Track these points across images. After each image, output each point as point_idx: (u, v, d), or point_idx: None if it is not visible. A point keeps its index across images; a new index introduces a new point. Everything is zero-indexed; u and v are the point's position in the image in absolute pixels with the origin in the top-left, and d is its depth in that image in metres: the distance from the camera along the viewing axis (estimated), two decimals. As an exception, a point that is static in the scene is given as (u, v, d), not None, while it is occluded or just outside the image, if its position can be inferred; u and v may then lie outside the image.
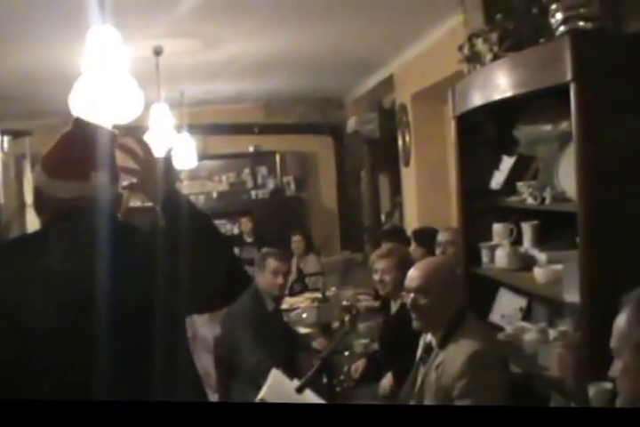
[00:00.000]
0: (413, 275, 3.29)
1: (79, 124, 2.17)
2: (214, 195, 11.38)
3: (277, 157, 11.44)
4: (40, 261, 2.04)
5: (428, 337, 3.31)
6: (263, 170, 11.55)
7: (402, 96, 8.01)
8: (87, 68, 3.69)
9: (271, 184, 11.47)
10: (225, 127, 11.09)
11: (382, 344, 4.54)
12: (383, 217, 9.73)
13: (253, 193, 11.40)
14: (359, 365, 4.54)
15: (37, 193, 2.18)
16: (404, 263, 4.10)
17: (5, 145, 10.15)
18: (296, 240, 8.54)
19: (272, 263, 4.98)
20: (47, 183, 2.13)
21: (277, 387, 3.22)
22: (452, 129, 4.40)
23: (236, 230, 10.89)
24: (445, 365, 3.08)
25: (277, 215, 10.81)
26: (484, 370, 3.01)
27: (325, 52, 7.27)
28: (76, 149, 2.11)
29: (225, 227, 11.19)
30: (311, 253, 8.58)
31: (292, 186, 11.51)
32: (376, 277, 4.60)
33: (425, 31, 6.47)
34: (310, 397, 3.27)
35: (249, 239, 9.79)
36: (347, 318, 4.96)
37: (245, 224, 9.93)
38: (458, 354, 3.04)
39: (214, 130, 10.90)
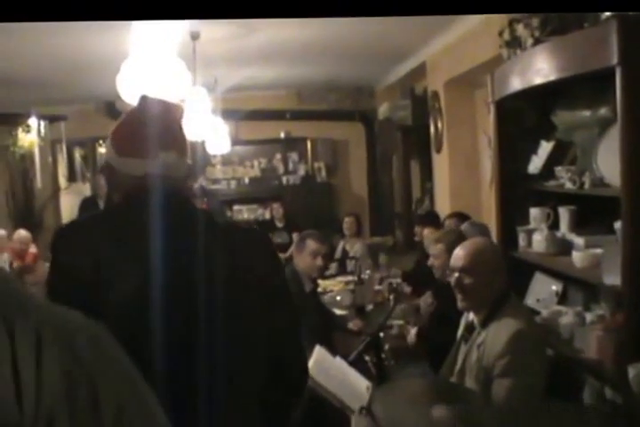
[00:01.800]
0: (458, 255, 3.33)
1: (145, 101, 2.17)
2: (246, 180, 11.47)
3: (308, 144, 11.52)
4: (117, 238, 2.05)
5: (470, 316, 3.34)
6: (294, 156, 11.63)
7: (434, 83, 8.03)
8: (134, 50, 3.74)
9: (302, 170, 11.54)
10: (257, 113, 11.15)
11: (430, 322, 4.58)
12: (413, 203, 9.78)
13: (284, 179, 11.48)
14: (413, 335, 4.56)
15: (109, 170, 2.18)
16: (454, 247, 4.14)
17: (42, 130, 10.26)
18: (348, 221, 8.57)
19: (311, 245, 5.01)
20: (117, 161, 2.13)
21: (322, 362, 3.28)
22: (490, 114, 4.43)
23: (267, 215, 10.98)
24: (487, 344, 3.11)
25: (308, 201, 10.90)
26: (526, 350, 3.04)
27: (358, 39, 7.28)
28: (143, 126, 2.11)
29: (256, 212, 11.29)
30: (359, 236, 8.62)
31: (323, 172, 11.57)
32: (430, 261, 4.66)
33: (457, 18, 6.46)
34: (353, 373, 3.34)
35: (280, 224, 9.85)
36: (391, 297, 5.01)
37: (277, 210, 10.00)
38: (500, 333, 3.07)
39: (247, 116, 10.96)
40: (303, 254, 5.00)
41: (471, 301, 3.26)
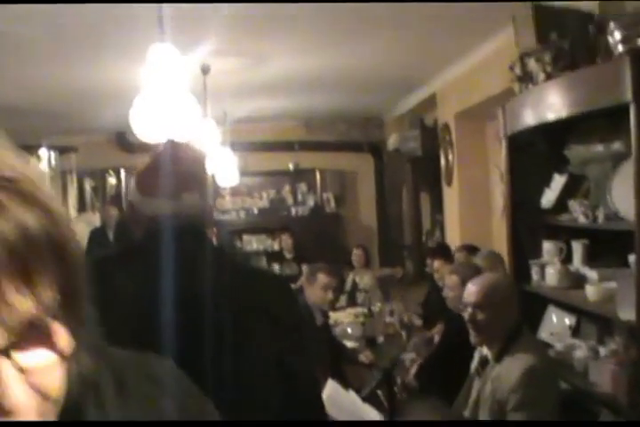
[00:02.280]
0: (471, 290, 3.33)
1: (171, 144, 2.26)
2: (255, 211, 11.49)
3: (317, 175, 11.55)
4: (133, 274, 2.10)
5: (484, 350, 3.34)
6: (303, 187, 11.66)
7: (444, 115, 8.06)
8: (147, 84, 3.77)
9: (311, 201, 11.56)
10: (266, 144, 11.21)
11: (438, 355, 4.57)
12: (423, 235, 9.77)
13: (293, 210, 11.50)
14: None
15: (131, 209, 2.26)
16: (468, 280, 4.13)
17: (52, 161, 10.32)
18: (357, 253, 8.58)
19: (322, 278, 5.03)
20: (140, 200, 2.21)
21: (334, 396, 3.27)
22: (502, 148, 4.44)
23: (276, 246, 10.99)
24: (501, 378, 3.11)
25: (317, 232, 10.90)
26: (540, 384, 3.03)
27: (367, 70, 7.34)
28: (168, 168, 2.19)
29: (265, 242, 11.30)
30: (368, 267, 8.62)
31: (332, 203, 11.59)
32: (445, 291, 4.67)
33: (468, 51, 6.52)
34: (367, 407, 3.33)
35: (289, 255, 9.86)
36: (404, 333, 5.01)
37: (286, 241, 10.01)
38: (514, 368, 3.07)
39: (255, 147, 11.02)
40: (314, 288, 5.01)
41: (485, 336, 3.26)
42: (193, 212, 2.18)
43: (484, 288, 3.30)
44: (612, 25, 3.15)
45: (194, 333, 2.02)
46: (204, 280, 2.10)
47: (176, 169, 2.16)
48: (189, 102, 3.82)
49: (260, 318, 2.13)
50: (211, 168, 2.32)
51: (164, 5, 3.64)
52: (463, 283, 3.95)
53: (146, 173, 2.23)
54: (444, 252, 6.39)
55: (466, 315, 3.31)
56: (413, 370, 4.47)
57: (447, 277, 4.67)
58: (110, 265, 2.18)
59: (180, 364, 1.95)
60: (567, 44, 3.62)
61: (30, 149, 10.29)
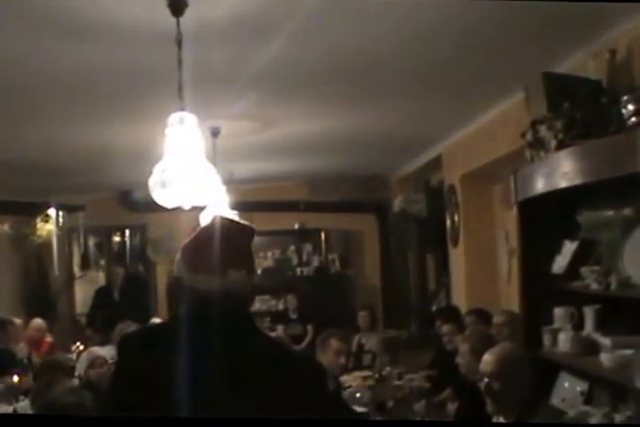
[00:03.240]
0: (487, 360, 3.34)
1: (220, 221, 2.28)
2: (259, 271, 11.48)
3: (322, 235, 11.59)
4: (171, 349, 2.12)
5: (501, 419, 3.34)
6: (308, 247, 11.69)
7: (450, 176, 8.12)
8: (167, 151, 3.84)
9: (316, 261, 11.58)
10: (271, 205, 11.27)
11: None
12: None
13: (298, 270, 11.52)
14: None
15: (176, 283, 2.28)
16: (481, 348, 4.12)
17: (61, 219, 10.38)
18: (363, 315, 8.54)
19: (335, 344, 5.03)
20: (186, 275, 2.23)
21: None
22: (513, 214, 4.48)
23: (280, 306, 10.97)
24: (521, 449, 3.11)
25: (322, 292, 10.89)
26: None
27: (374, 132, 7.42)
28: (215, 244, 2.21)
29: (269, 303, 11.27)
30: (374, 329, 8.58)
31: (337, 263, 11.61)
32: (457, 358, 4.66)
33: (476, 114, 6.60)
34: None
35: (293, 315, 9.84)
36: (414, 397, 4.98)
37: (291, 301, 10.01)
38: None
39: (260, 207, 11.07)
40: (327, 353, 5.01)
41: (501, 405, 3.25)
42: (239, 289, 2.20)
43: (501, 358, 3.31)
44: (625, 98, 3.22)
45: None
46: (245, 360, 2.13)
47: (224, 245, 2.18)
48: (208, 170, 3.89)
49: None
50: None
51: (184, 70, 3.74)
52: (477, 351, 3.96)
53: (193, 247, 2.26)
54: (453, 315, 6.38)
55: (482, 385, 3.31)
56: None
57: (461, 345, 4.67)
58: (153, 338, 2.22)
59: None
60: (579, 112, 3.68)
61: (38, 206, 10.37)
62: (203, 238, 2.25)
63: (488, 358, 3.35)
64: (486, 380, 3.30)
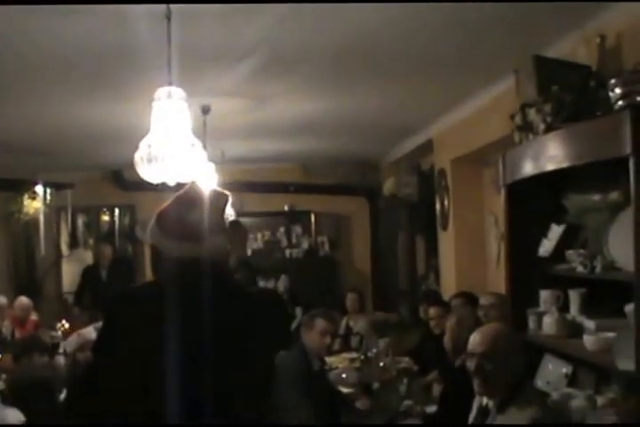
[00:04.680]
0: (476, 340, 3.33)
1: (195, 188, 2.28)
2: (249, 252, 11.48)
3: (312, 217, 11.57)
4: (154, 313, 2.13)
5: (484, 400, 3.34)
6: (298, 229, 11.67)
7: (441, 161, 8.12)
8: (153, 127, 3.82)
9: (305, 244, 11.56)
10: (261, 186, 11.27)
11: (442, 406, 4.55)
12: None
13: (288, 252, 11.51)
14: None
15: (153, 251, 2.28)
16: (466, 329, 4.12)
17: (48, 197, 10.34)
18: (351, 298, 8.53)
19: (320, 324, 5.03)
20: (163, 242, 2.23)
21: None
22: (501, 196, 4.48)
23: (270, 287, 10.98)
24: (504, 429, 3.11)
25: (311, 275, 10.89)
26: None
27: (366, 115, 7.41)
28: (191, 211, 2.21)
29: (259, 284, 11.26)
30: (362, 312, 8.58)
31: (326, 246, 11.60)
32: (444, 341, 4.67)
33: (466, 98, 6.59)
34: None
35: (283, 297, 9.84)
36: (405, 380, 5.00)
37: (280, 282, 10.02)
38: (518, 419, 3.07)
39: (251, 188, 11.07)
40: (312, 333, 5.01)
41: (490, 386, 3.26)
42: (218, 254, 2.21)
43: (491, 338, 3.31)
44: (613, 81, 3.22)
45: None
46: (225, 314, 2.16)
47: (201, 212, 2.19)
48: (195, 145, 3.87)
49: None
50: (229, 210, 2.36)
51: (172, 46, 3.71)
52: (462, 333, 3.96)
53: (169, 215, 2.25)
54: (440, 298, 6.40)
55: (471, 365, 3.31)
56: None
57: (448, 328, 4.67)
58: (131, 301, 2.23)
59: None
60: (568, 96, 3.68)
61: (26, 184, 10.32)
62: (179, 206, 2.25)
63: (476, 337, 3.35)
64: (476, 360, 3.29)
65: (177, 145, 3.74)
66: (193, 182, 2.31)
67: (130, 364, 2.12)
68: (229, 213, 2.40)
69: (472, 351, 3.34)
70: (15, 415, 3.53)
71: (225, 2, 3.76)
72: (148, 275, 11.18)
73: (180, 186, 2.39)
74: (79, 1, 3.71)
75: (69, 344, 5.40)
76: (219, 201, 2.28)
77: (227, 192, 2.35)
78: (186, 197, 2.26)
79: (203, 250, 2.19)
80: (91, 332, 5.63)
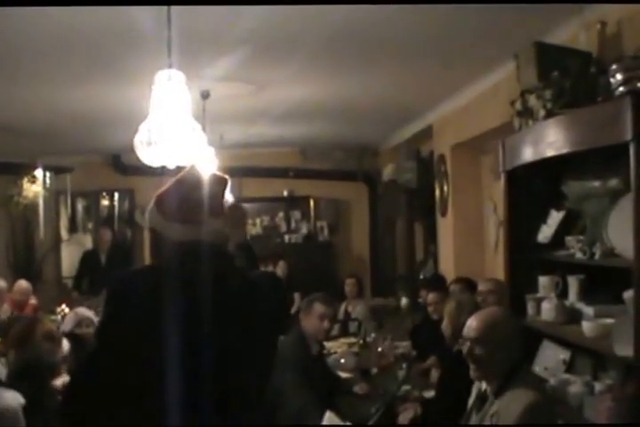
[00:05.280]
0: (472, 325, 3.33)
1: (195, 170, 2.28)
2: (248, 237, 11.46)
3: (311, 202, 11.57)
4: (154, 296, 2.13)
5: (483, 385, 3.34)
6: (297, 214, 11.67)
7: (441, 147, 8.11)
8: (153, 109, 3.81)
9: (304, 229, 11.57)
10: (261, 170, 11.27)
11: (439, 391, 4.56)
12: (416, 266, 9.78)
13: (286, 237, 11.51)
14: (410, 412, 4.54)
15: (154, 234, 2.28)
16: (464, 314, 4.13)
17: (48, 181, 10.33)
18: (350, 283, 8.55)
19: (319, 308, 5.03)
20: (163, 226, 2.23)
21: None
22: (501, 182, 4.48)
23: (268, 273, 10.98)
24: (501, 414, 3.11)
25: (309, 260, 10.90)
26: (541, 421, 3.03)
27: (365, 100, 7.40)
28: (191, 194, 2.21)
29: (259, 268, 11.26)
30: (360, 297, 8.60)
31: (325, 231, 11.61)
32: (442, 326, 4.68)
33: (467, 84, 6.58)
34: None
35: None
36: (404, 365, 5.01)
37: (280, 268, 10.01)
38: (514, 404, 3.07)
39: (250, 172, 11.07)
40: (311, 317, 5.01)
41: (484, 371, 3.26)
42: (218, 237, 2.22)
43: (486, 323, 3.31)
44: (613, 67, 3.21)
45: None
46: (225, 296, 2.18)
47: (201, 195, 2.20)
48: (195, 128, 3.86)
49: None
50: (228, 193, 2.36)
51: (172, 30, 3.70)
52: (460, 318, 3.97)
53: (170, 197, 2.25)
54: (438, 284, 6.39)
55: (464, 349, 3.31)
56: (408, 416, 4.46)
57: (446, 313, 4.67)
58: (131, 284, 2.23)
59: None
60: (568, 82, 3.67)
61: (26, 167, 10.31)
62: (180, 188, 2.26)
63: (472, 322, 3.35)
64: (469, 344, 3.30)
65: (177, 128, 3.74)
66: (192, 165, 2.31)
67: (132, 347, 2.12)
68: (228, 198, 2.39)
69: (466, 336, 3.34)
70: (14, 397, 3.54)
71: (225, 3, 3.76)
72: (148, 259, 11.16)
73: (179, 169, 2.38)
74: (80, 2, 3.71)
75: (67, 323, 5.41)
76: (218, 185, 2.28)
77: (226, 176, 2.35)
78: (186, 180, 2.26)
79: (203, 232, 2.19)
80: (85, 310, 5.65)
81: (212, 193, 2.23)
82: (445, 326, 4.51)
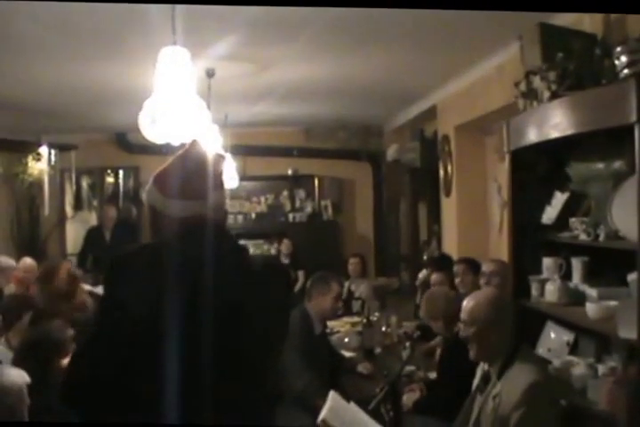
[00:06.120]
0: (468, 306, 3.36)
1: (197, 145, 2.29)
2: (252, 215, 11.52)
3: (316, 181, 11.57)
4: (156, 274, 2.14)
5: (486, 367, 3.37)
6: (301, 193, 11.67)
7: (445, 127, 8.10)
8: (158, 86, 3.80)
9: (309, 208, 11.58)
10: (265, 149, 11.26)
11: (441, 371, 4.58)
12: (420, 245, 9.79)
13: (291, 216, 11.53)
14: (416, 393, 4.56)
15: (154, 212, 2.28)
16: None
17: (52, 158, 10.33)
18: (353, 262, 8.56)
19: (336, 288, 5.04)
20: (164, 203, 2.23)
21: (337, 408, 3.29)
22: (505, 163, 4.48)
23: (273, 251, 11.02)
24: (503, 395, 3.13)
25: (313, 239, 10.92)
26: (542, 401, 3.06)
27: (370, 80, 7.37)
28: (192, 169, 2.22)
29: (262, 247, 11.31)
30: (364, 276, 8.62)
31: (330, 210, 11.61)
32: None
33: (471, 65, 6.56)
34: (369, 420, 3.35)
35: (286, 261, 9.87)
36: (407, 344, 5.03)
37: (285, 246, 10.04)
38: (516, 384, 3.09)
39: (255, 151, 11.08)
40: (327, 297, 5.00)
41: (481, 351, 3.29)
42: (218, 212, 2.23)
43: (477, 304, 3.33)
44: (618, 49, 3.20)
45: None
46: (228, 275, 2.18)
47: (203, 170, 2.20)
48: (199, 105, 3.86)
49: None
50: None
51: (177, 8, 3.68)
52: (449, 309, 4.03)
53: (171, 174, 2.25)
54: (444, 264, 6.38)
55: (461, 331, 3.35)
56: (413, 397, 4.48)
57: (426, 312, 4.73)
58: (132, 261, 2.23)
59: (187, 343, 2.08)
60: (572, 64, 3.66)
61: (30, 145, 10.32)
62: (182, 164, 2.26)
63: (469, 304, 3.38)
64: (462, 326, 3.33)
65: (181, 105, 3.73)
66: (194, 140, 2.31)
67: (133, 324, 2.13)
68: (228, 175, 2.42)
69: (463, 318, 3.37)
70: (20, 375, 3.55)
71: (226, 3, 3.74)
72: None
73: (183, 146, 2.38)
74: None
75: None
76: (217, 160, 2.28)
77: (222, 153, 2.37)
78: (188, 155, 2.26)
79: (204, 207, 2.20)
80: (91, 288, 5.68)
81: (212, 169, 2.24)
82: (436, 327, 4.57)
